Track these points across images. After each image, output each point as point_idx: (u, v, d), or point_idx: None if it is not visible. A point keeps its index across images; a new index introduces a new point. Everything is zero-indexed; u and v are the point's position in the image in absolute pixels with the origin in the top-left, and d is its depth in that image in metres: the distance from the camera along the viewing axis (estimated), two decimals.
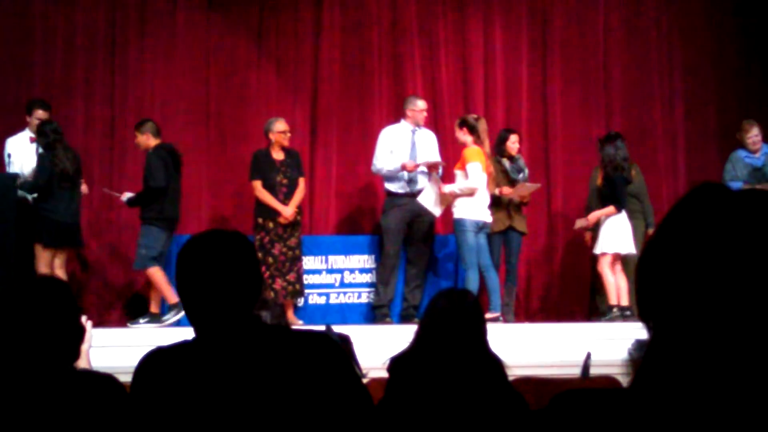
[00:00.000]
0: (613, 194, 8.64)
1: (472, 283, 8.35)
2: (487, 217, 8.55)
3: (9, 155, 8.58)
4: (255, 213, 8.73)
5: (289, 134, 8.86)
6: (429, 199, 8.65)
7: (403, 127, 9.13)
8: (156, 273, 8.34)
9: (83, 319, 3.83)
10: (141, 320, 8.39)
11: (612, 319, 8.67)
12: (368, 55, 10.43)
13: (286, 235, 8.63)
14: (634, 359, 7.37)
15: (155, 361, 2.29)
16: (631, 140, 9.52)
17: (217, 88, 10.26)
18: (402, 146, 8.99)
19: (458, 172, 8.51)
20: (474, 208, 8.41)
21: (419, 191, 8.88)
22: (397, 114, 9.46)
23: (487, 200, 8.57)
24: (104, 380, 2.49)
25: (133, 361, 2.36)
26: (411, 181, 8.90)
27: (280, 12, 10.41)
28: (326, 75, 10.33)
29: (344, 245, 9.31)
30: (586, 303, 9.90)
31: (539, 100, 10.67)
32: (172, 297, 8.26)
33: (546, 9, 10.73)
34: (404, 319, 8.86)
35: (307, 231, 9.55)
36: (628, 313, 8.80)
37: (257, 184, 8.68)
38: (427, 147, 9.15)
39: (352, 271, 9.28)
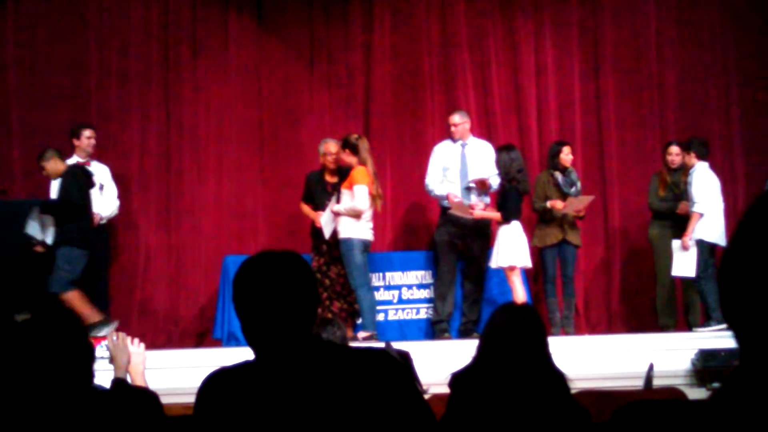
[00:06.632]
0: (504, 205, 8.44)
1: (365, 302, 8.38)
2: (371, 236, 8.52)
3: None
4: (311, 234, 8.84)
5: (333, 156, 8.84)
6: (325, 221, 8.51)
7: (453, 142, 9.11)
8: (75, 298, 7.87)
9: (129, 340, 3.92)
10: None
11: None
12: (419, 71, 10.44)
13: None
14: (698, 370, 7.28)
15: (219, 381, 2.31)
16: None
17: (269, 109, 10.33)
18: (453, 163, 8.97)
19: (345, 192, 8.42)
20: (359, 228, 8.37)
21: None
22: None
23: (370, 220, 8.50)
24: (139, 395, 2.59)
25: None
26: (464, 197, 8.86)
27: (331, 31, 10.47)
28: (378, 92, 10.37)
29: (401, 261, 9.30)
30: (645, 313, 9.78)
31: (593, 112, 10.57)
32: (95, 315, 7.92)
33: (597, 21, 10.63)
34: (463, 334, 8.82)
35: None
36: None
37: (301, 205, 8.99)
38: (479, 160, 9.03)
39: (409, 287, 9.27)
